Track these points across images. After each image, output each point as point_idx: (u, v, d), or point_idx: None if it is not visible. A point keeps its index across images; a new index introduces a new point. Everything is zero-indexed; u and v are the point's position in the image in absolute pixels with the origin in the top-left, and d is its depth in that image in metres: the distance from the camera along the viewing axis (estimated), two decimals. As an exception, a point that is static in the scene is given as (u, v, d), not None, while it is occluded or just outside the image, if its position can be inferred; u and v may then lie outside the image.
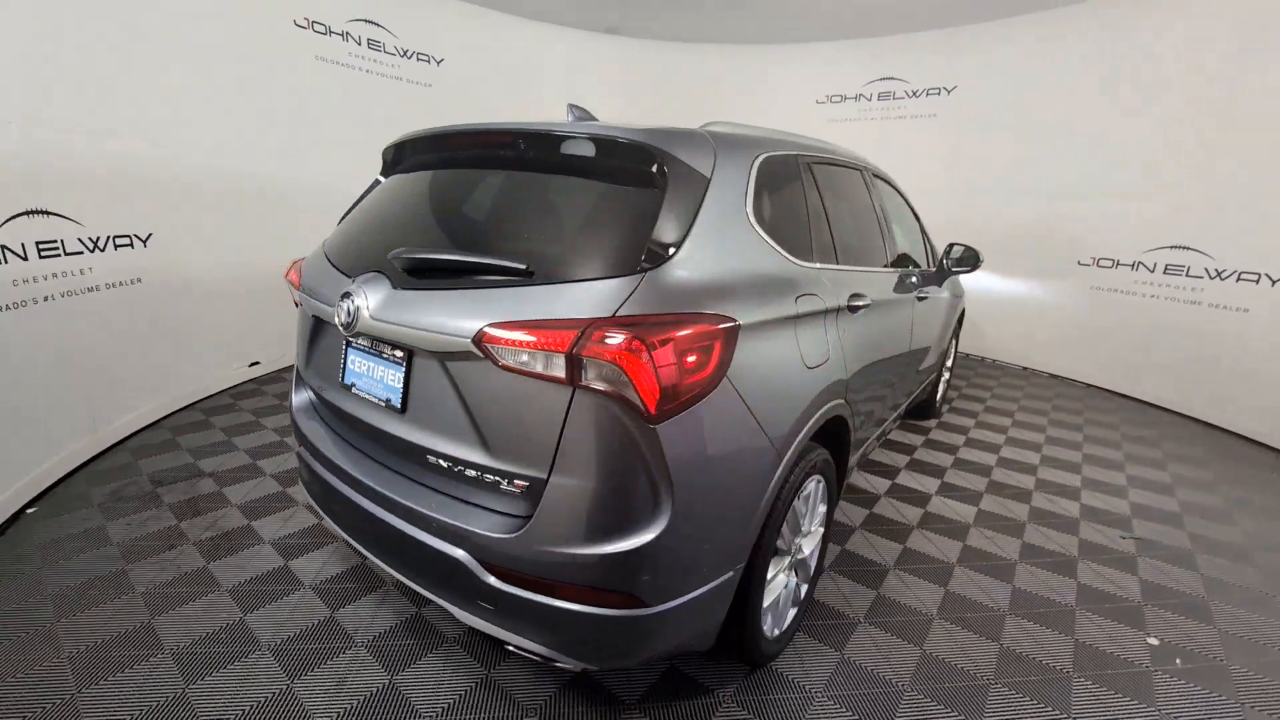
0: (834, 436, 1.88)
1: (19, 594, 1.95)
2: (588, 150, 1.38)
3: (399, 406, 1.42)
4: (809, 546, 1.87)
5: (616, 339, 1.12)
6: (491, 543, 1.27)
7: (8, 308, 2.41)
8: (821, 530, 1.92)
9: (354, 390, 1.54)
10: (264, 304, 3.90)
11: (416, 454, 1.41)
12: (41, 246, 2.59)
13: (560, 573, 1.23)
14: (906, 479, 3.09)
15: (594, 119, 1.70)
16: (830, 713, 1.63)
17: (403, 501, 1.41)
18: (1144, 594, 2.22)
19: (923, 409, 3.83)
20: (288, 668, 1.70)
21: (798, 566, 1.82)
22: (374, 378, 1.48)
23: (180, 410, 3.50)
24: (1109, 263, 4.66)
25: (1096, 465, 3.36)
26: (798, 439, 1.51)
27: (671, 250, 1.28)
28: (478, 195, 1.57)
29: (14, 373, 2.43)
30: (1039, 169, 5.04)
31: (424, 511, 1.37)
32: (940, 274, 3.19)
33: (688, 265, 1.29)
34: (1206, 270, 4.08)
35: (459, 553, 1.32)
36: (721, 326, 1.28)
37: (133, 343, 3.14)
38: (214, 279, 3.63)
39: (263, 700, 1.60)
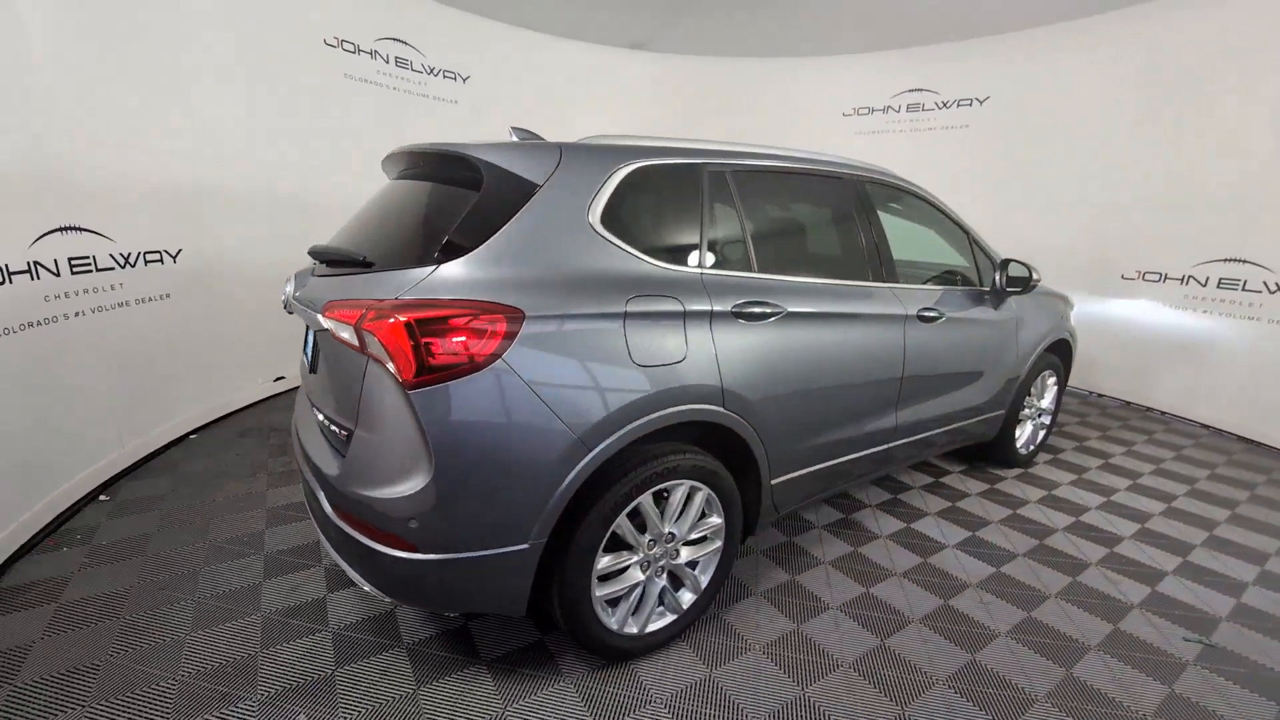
0: (739, 451, 1.91)
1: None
2: (437, 164, 1.72)
3: (310, 368, 1.85)
4: (689, 553, 1.89)
5: (382, 317, 1.35)
6: (331, 481, 1.54)
7: (39, 323, 2.42)
8: (719, 544, 1.92)
9: (305, 364, 1.94)
10: (291, 319, 3.90)
11: (319, 415, 1.75)
12: (73, 262, 2.60)
13: (359, 510, 1.47)
14: (930, 527, 2.66)
15: (539, 138, 1.81)
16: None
17: (314, 460, 1.67)
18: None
19: (993, 452, 3.24)
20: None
21: (668, 570, 1.85)
22: (308, 351, 1.91)
23: (206, 425, 3.50)
24: (1156, 277, 4.45)
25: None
26: (618, 432, 1.55)
27: (470, 247, 1.46)
28: (389, 201, 1.85)
29: (50, 387, 2.43)
30: (1077, 180, 4.86)
31: (316, 463, 1.64)
32: (997, 294, 2.82)
33: (485, 260, 1.46)
34: (1266, 284, 3.85)
35: (320, 493, 1.60)
36: (500, 314, 1.41)
37: (159, 357, 3.15)
38: (241, 295, 3.65)
39: None
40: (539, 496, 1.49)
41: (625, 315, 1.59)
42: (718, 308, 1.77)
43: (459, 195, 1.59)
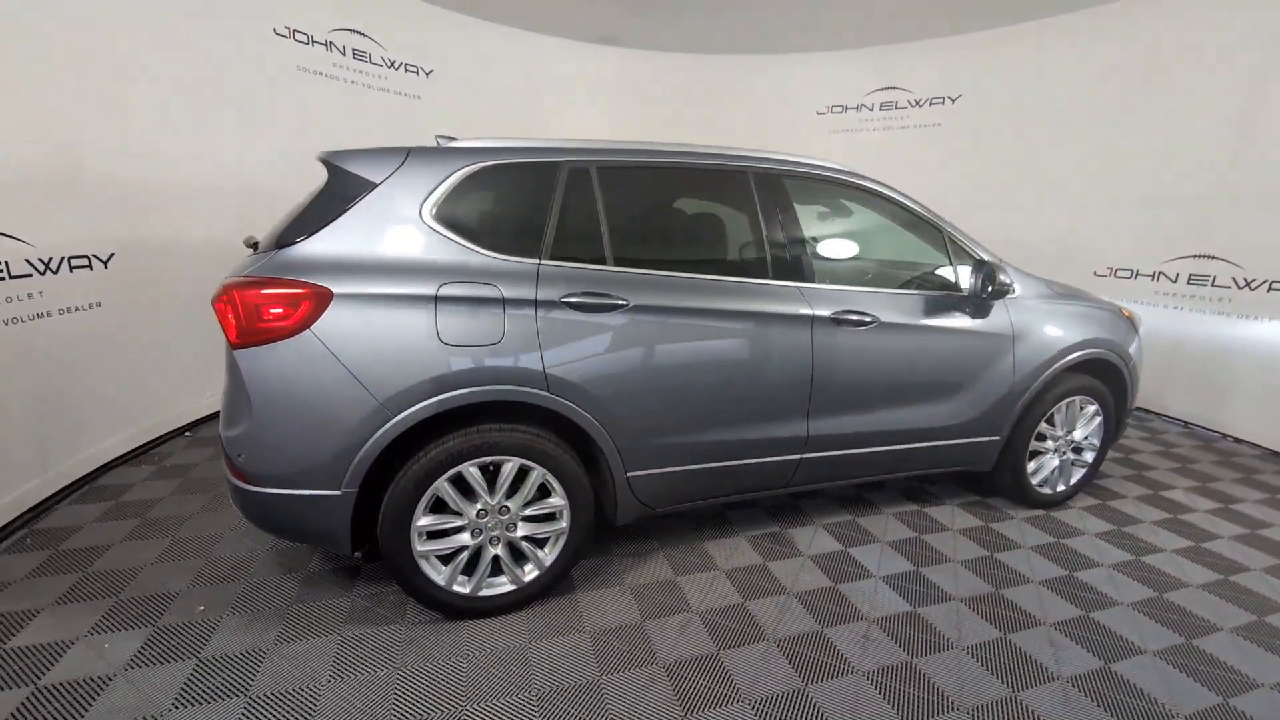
0: (579, 439, 2.01)
1: None
2: (324, 166, 1.90)
3: None
4: (528, 529, 1.98)
5: (220, 291, 1.69)
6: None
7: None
8: (564, 525, 2.00)
9: None
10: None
11: None
12: (-17, 269, 2.32)
13: (223, 447, 1.82)
14: (870, 556, 2.40)
15: (454, 141, 2.02)
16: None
17: None
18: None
19: (998, 485, 2.88)
20: None
21: (494, 537, 1.95)
22: None
23: (146, 445, 3.21)
24: (1128, 273, 4.48)
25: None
26: (423, 403, 1.74)
27: (302, 237, 1.75)
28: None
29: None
30: (1049, 177, 4.89)
31: None
32: (977, 301, 2.49)
33: (312, 248, 1.73)
34: (1235, 280, 3.90)
35: None
36: (309, 291, 1.67)
37: (91, 372, 2.86)
38: (189, 299, 3.37)
39: None
40: (345, 451, 1.72)
41: (436, 299, 1.76)
42: (545, 296, 1.86)
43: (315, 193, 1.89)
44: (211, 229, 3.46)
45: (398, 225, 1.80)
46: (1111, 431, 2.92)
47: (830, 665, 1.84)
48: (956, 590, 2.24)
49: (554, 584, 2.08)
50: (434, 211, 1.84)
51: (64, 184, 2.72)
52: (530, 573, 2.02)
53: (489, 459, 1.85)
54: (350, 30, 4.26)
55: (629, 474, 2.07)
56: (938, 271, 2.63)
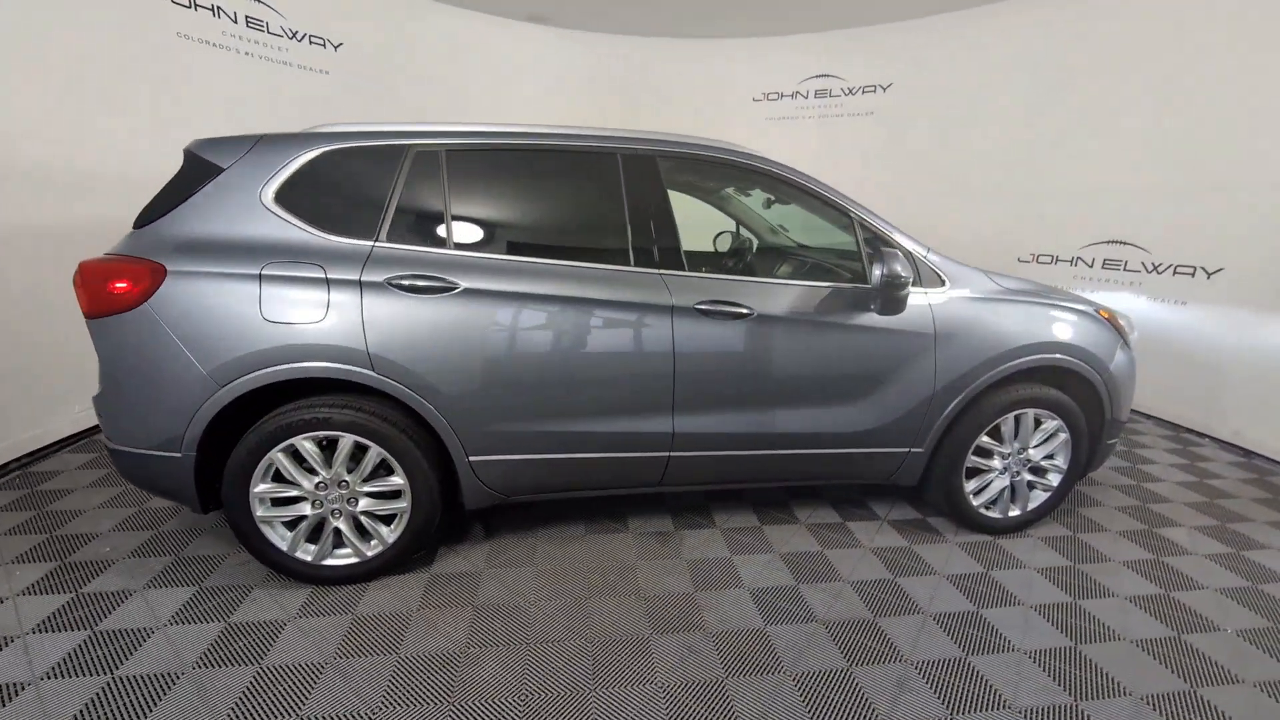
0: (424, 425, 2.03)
1: None
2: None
3: None
4: (369, 504, 2.02)
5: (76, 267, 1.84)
6: None
7: None
8: (405, 504, 2.03)
9: None
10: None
11: None
12: None
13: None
14: (751, 568, 2.22)
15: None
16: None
17: None
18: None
19: (931, 499, 2.55)
20: None
21: (335, 510, 2.01)
22: None
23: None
24: (1049, 259, 4.60)
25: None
26: (247, 375, 1.82)
27: (155, 217, 1.89)
28: None
29: None
30: (976, 167, 4.97)
31: None
32: (887, 294, 2.21)
33: (160, 227, 1.88)
34: (1144, 264, 4.04)
35: None
36: (144, 268, 1.80)
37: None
38: (53, 299, 2.97)
39: None
40: (179, 418, 1.83)
41: (260, 277, 1.83)
42: (372, 278, 1.89)
43: None
44: (69, 216, 3.06)
45: (237, 208, 1.89)
46: (1083, 453, 2.48)
47: (640, 674, 1.72)
48: (825, 612, 2.01)
49: (400, 560, 2.11)
50: (274, 195, 1.91)
51: None
52: (375, 547, 2.07)
53: (322, 434, 1.90)
54: (244, -5, 3.88)
55: (470, 459, 2.06)
56: (845, 262, 2.45)
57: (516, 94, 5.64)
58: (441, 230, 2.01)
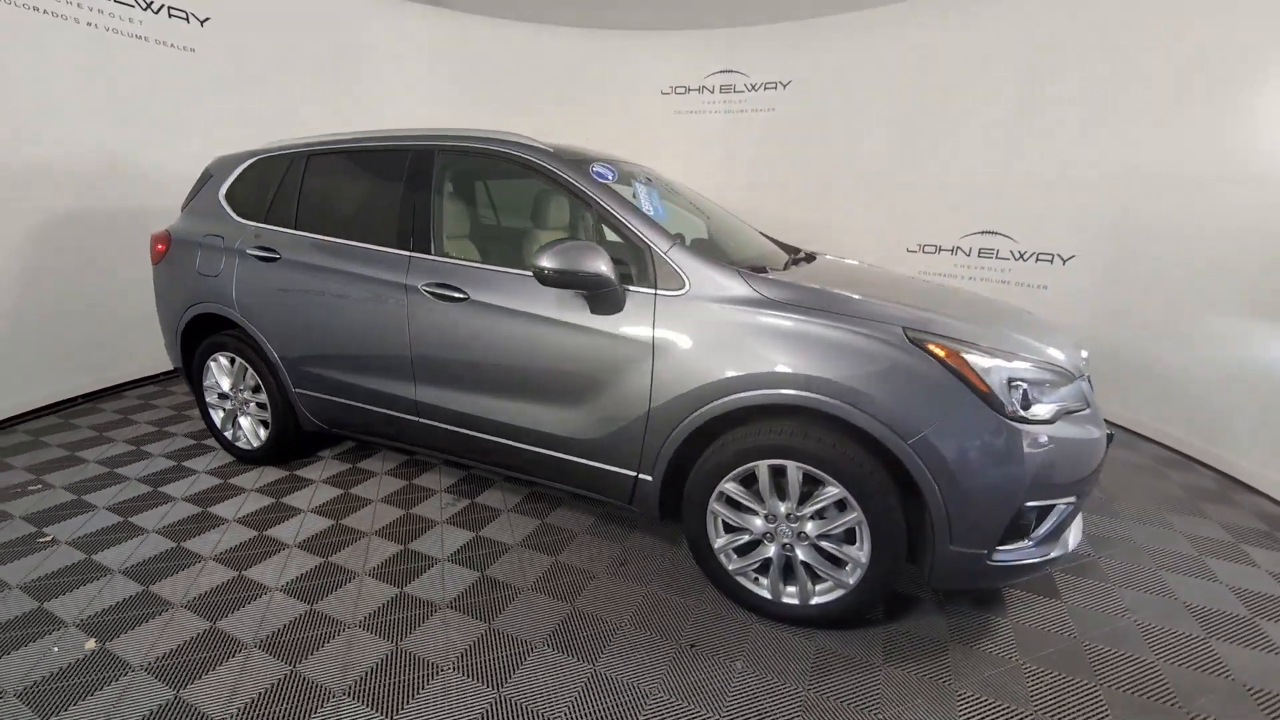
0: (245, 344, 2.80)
1: None
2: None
3: None
4: (254, 410, 2.93)
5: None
6: None
7: None
8: (266, 415, 2.89)
9: None
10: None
11: None
12: None
13: None
14: (432, 544, 2.26)
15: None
16: None
17: None
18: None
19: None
20: None
21: (243, 406, 2.97)
22: None
23: None
24: (933, 249, 4.95)
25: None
26: (187, 310, 2.87)
27: (182, 209, 3.05)
28: None
29: None
30: (868, 162, 5.25)
31: None
32: (599, 293, 1.96)
33: (182, 217, 3.01)
34: (1012, 253, 4.44)
35: None
36: (163, 236, 2.99)
37: None
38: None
39: None
40: (175, 327, 2.94)
41: (199, 245, 2.84)
42: (240, 247, 2.71)
43: None
44: None
45: (208, 202, 2.91)
46: (896, 547, 1.69)
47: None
48: (351, 615, 1.91)
49: (264, 458, 2.95)
50: (224, 193, 2.88)
51: None
52: (251, 444, 2.94)
53: (226, 354, 2.84)
54: (84, -41, 3.44)
55: (295, 389, 2.71)
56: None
57: (413, 81, 5.38)
58: (292, 216, 2.67)
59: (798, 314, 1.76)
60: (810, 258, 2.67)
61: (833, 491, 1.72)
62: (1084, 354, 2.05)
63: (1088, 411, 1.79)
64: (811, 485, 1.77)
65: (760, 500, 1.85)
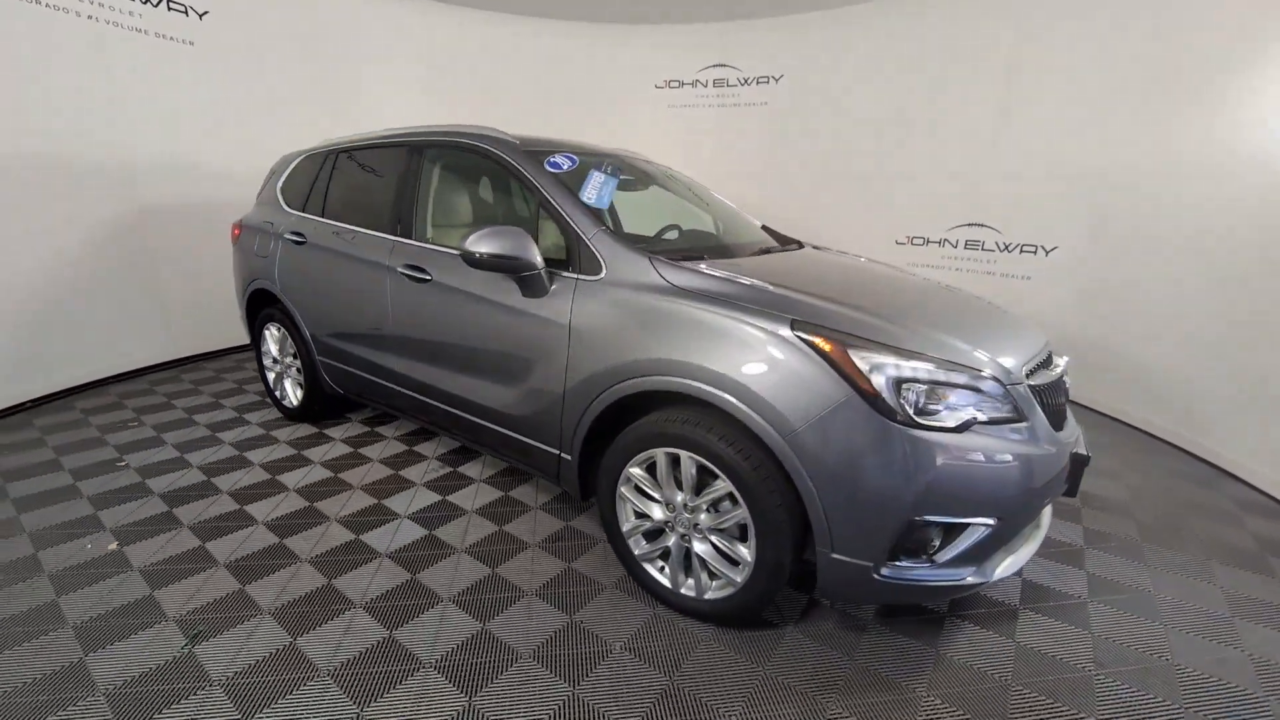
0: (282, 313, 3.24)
1: None
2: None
3: None
4: (293, 374, 3.41)
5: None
6: None
7: None
8: (299, 374, 3.32)
9: None
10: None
11: None
12: None
13: None
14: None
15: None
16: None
17: None
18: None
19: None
20: None
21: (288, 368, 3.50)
22: None
23: None
24: (921, 241, 5.06)
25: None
26: (252, 284, 3.34)
27: (254, 201, 3.56)
28: None
29: None
30: (859, 157, 5.34)
31: None
32: (526, 277, 2.06)
33: (254, 207, 3.52)
34: (997, 244, 4.54)
35: None
36: (237, 225, 3.51)
37: None
38: None
39: None
40: (243, 290, 3.47)
41: (258, 230, 3.31)
42: (283, 232, 3.14)
43: None
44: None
45: (271, 192, 3.38)
46: (782, 546, 1.62)
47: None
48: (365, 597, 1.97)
49: (301, 415, 3.39)
50: (280, 186, 3.34)
51: None
52: (293, 402, 3.40)
53: (275, 324, 3.32)
54: (82, -48, 3.47)
55: (320, 359, 3.07)
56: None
57: (412, 75, 5.42)
58: (323, 205, 3.05)
59: (698, 303, 1.74)
60: (799, 245, 2.77)
61: (722, 485, 1.68)
62: (1060, 361, 1.93)
63: (1023, 425, 1.59)
64: (709, 478, 1.73)
65: (660, 488, 1.86)
